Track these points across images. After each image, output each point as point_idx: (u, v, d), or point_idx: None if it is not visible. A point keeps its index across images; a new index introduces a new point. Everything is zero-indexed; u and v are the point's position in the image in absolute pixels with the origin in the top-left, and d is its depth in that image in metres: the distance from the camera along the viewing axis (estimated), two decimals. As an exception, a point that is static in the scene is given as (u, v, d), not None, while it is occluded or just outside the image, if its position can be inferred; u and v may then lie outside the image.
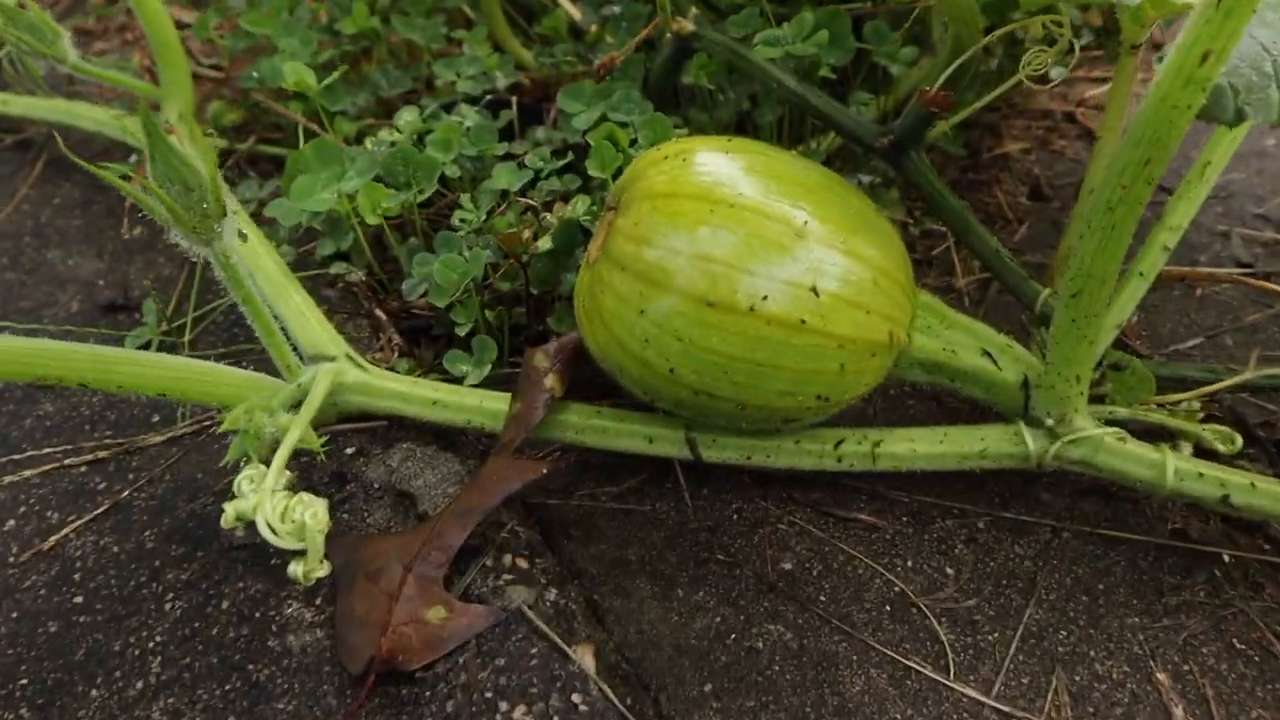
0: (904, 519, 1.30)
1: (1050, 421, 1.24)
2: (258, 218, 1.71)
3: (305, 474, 1.30)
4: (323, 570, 1.13)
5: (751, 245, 1.07)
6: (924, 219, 1.81)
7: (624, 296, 1.10)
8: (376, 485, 1.27)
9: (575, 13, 2.00)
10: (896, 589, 1.21)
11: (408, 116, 1.62)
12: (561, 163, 1.51)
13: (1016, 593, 1.21)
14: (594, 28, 1.93)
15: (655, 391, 1.16)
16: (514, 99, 1.80)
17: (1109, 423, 1.28)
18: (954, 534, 1.28)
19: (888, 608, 1.19)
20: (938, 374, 1.26)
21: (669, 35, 1.61)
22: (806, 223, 1.09)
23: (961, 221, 1.40)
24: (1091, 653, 1.15)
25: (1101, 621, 1.18)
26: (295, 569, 1.12)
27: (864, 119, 1.43)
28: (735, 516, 1.29)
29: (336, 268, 1.60)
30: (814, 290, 1.08)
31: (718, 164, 1.12)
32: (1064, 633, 1.17)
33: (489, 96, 1.82)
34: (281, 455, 1.15)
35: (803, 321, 1.08)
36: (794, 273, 1.07)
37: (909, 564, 1.24)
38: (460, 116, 1.65)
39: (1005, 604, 1.20)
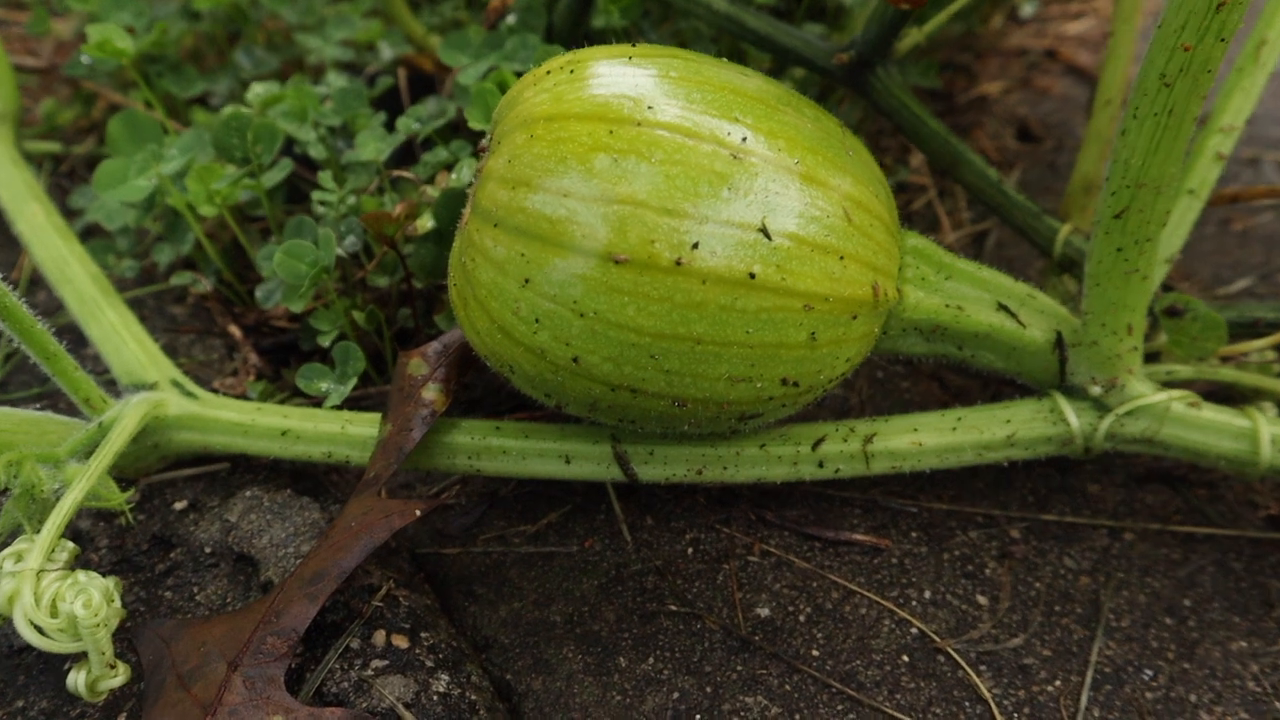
0: (914, 535, 0.99)
1: (1097, 389, 0.94)
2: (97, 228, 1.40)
3: (118, 540, 0.98)
4: (117, 678, 0.82)
5: (671, 175, 0.76)
6: (898, 168, 1.51)
7: (502, 263, 0.79)
8: (209, 549, 0.95)
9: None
10: (914, 631, 0.90)
11: (259, 89, 1.30)
12: (441, 121, 1.19)
13: (1076, 621, 0.90)
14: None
15: (559, 392, 0.85)
16: (402, 73, 1.50)
17: (1167, 385, 0.98)
18: (982, 549, 0.97)
19: (905, 658, 0.88)
20: (941, 340, 0.95)
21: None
22: (746, 140, 0.78)
23: (948, 152, 1.10)
24: (1192, 697, 0.84)
25: (1197, 651, 0.87)
26: (75, 679, 0.81)
27: (813, 36, 1.13)
28: (691, 551, 0.98)
29: (179, 277, 1.28)
30: (763, 231, 0.77)
31: (618, 73, 0.81)
32: (1148, 672, 0.86)
33: (371, 72, 1.51)
34: (54, 522, 0.83)
35: (752, 275, 0.77)
36: (735, 209, 0.76)
37: (927, 595, 0.93)
38: (326, 85, 1.34)
39: (1063, 638, 0.89)
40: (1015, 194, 1.08)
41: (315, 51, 1.52)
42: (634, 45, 0.86)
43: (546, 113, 0.79)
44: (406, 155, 1.36)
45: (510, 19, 1.39)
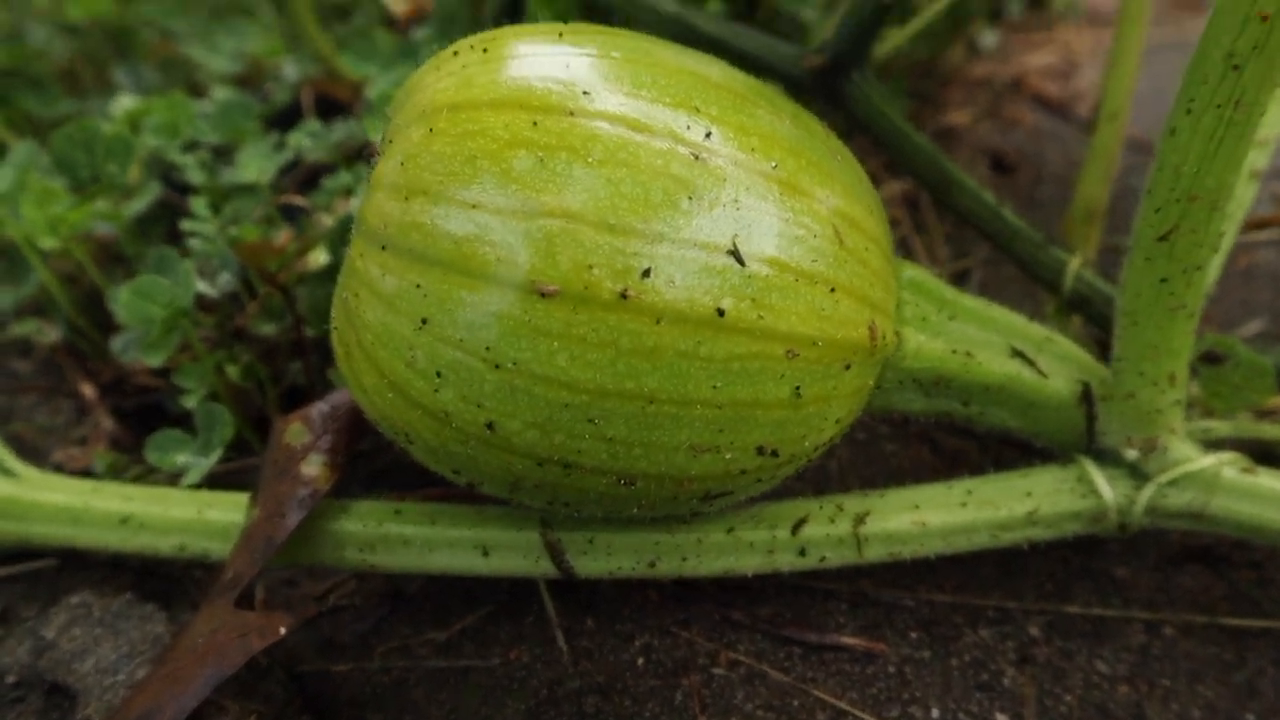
0: (913, 635, 0.80)
1: (1133, 452, 0.77)
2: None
3: (-100, 667, 0.76)
4: None
5: (615, 180, 0.58)
6: (866, 202, 1.35)
7: (392, 299, 0.60)
8: (13, 678, 0.73)
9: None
10: (922, 763, 0.71)
11: (125, 101, 1.11)
12: (335, 136, 1.01)
13: (1122, 748, 0.73)
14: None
15: (470, 468, 0.65)
16: (308, 94, 1.31)
17: (1205, 444, 0.82)
18: (996, 652, 0.79)
19: (913, 800, 0.69)
20: (944, 395, 0.78)
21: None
22: (710, 136, 0.61)
23: (938, 171, 0.94)
24: None
25: (1277, 786, 0.70)
26: None
27: (778, 41, 0.97)
28: (641, 661, 0.78)
29: (22, 326, 1.06)
30: (735, 254, 0.59)
31: (545, 52, 0.63)
32: (1221, 817, 0.68)
33: (270, 92, 1.33)
34: None
35: (720, 312, 0.59)
36: (698, 225, 0.58)
37: (935, 715, 0.74)
38: (208, 101, 1.15)
39: (1109, 772, 0.71)
40: (1016, 220, 0.92)
41: (204, 67, 1.33)
42: (566, 25, 0.68)
43: (451, 100, 0.61)
44: (311, 184, 1.17)
45: (427, 29, 1.22)
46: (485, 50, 0.64)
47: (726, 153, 0.60)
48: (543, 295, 0.57)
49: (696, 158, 0.59)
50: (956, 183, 0.93)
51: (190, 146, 1.05)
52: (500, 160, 0.58)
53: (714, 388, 0.60)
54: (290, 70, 1.38)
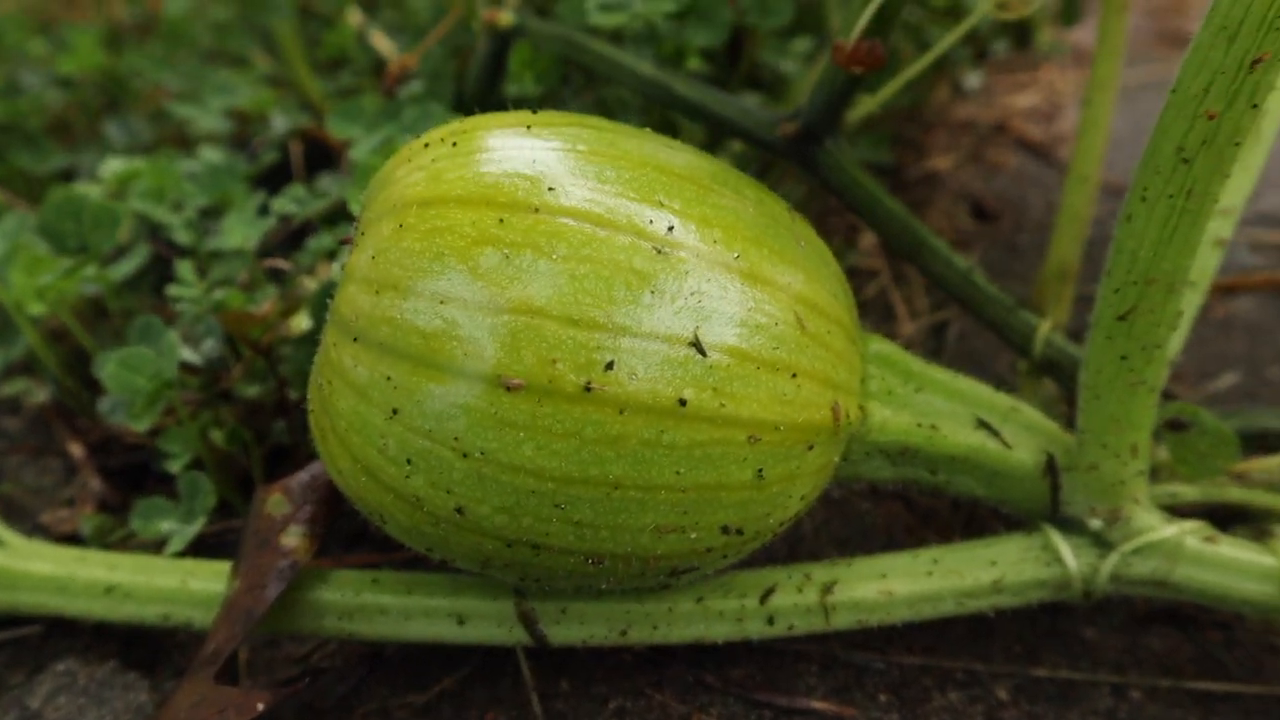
0: (882, 698, 0.82)
1: (1097, 522, 0.79)
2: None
3: (-113, 737, 0.77)
4: None
5: (578, 275, 0.59)
6: (846, 251, 1.37)
7: (364, 389, 0.62)
8: (-1, 748, 0.75)
9: (386, 47, 1.52)
10: (889, 832, 0.73)
11: (115, 164, 1.13)
12: (324, 203, 1.02)
13: (1085, 817, 0.74)
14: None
15: (443, 547, 0.67)
16: (297, 147, 1.33)
17: (1170, 510, 0.83)
18: (965, 714, 0.80)
19: None
20: (910, 464, 0.79)
21: (483, 33, 1.17)
22: (673, 229, 0.62)
23: (909, 235, 0.96)
24: None
25: None
26: None
27: (753, 106, 0.99)
28: (616, 725, 0.80)
29: (11, 385, 1.08)
30: (696, 344, 0.61)
31: (513, 146, 0.65)
32: None
33: (258, 145, 1.35)
34: None
35: (682, 402, 0.60)
36: (659, 318, 0.60)
37: (903, 781, 0.76)
38: (196, 160, 1.17)
39: (1072, 841, 0.72)
40: (987, 285, 0.94)
41: (192, 122, 1.35)
42: (535, 112, 0.70)
43: (421, 195, 0.63)
44: (297, 241, 1.19)
45: (414, 85, 1.24)
46: (455, 144, 0.65)
47: (689, 245, 0.62)
48: (508, 388, 0.59)
49: (659, 251, 0.61)
50: (928, 247, 0.95)
51: (177, 206, 1.07)
52: (467, 257, 0.60)
53: (677, 473, 0.62)
54: (279, 122, 1.40)
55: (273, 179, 1.27)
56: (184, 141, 1.45)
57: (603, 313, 0.59)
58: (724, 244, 0.64)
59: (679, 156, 0.69)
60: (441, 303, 0.59)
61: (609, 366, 0.59)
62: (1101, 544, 0.79)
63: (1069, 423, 0.83)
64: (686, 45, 1.20)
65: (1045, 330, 0.92)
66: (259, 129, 1.40)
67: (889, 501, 1.00)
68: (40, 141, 1.34)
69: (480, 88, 1.21)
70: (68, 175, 1.42)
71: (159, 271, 1.17)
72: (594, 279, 0.60)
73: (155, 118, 1.53)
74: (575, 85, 1.30)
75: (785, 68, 1.39)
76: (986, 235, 1.49)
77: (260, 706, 0.66)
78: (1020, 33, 2.00)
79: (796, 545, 0.95)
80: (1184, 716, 0.80)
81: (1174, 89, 0.62)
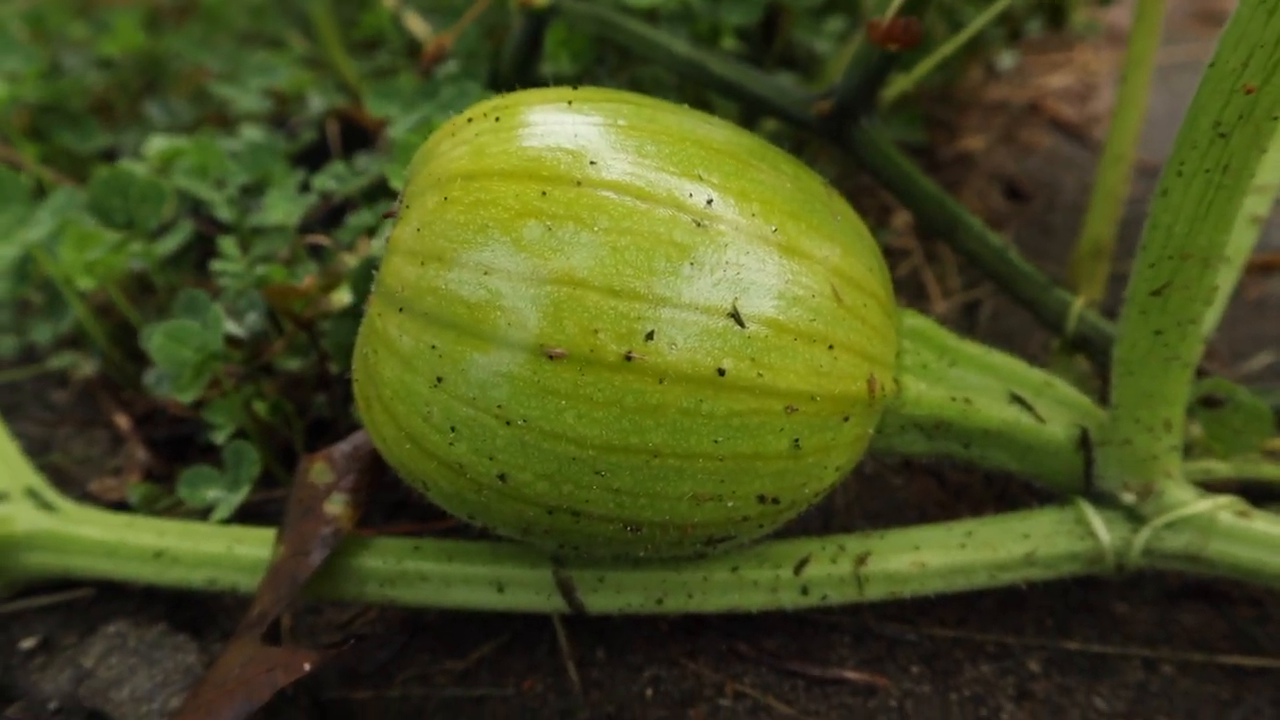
0: (914, 669, 0.83)
1: (1130, 496, 0.79)
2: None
3: (-55, 694, 0.80)
4: None
5: (619, 247, 0.61)
6: (879, 230, 1.37)
7: (409, 358, 0.63)
8: (55, 704, 0.77)
9: (421, 29, 1.54)
10: (920, 798, 0.74)
11: (158, 142, 1.15)
12: (364, 180, 1.04)
13: (1115, 785, 0.75)
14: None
15: (485, 514, 0.68)
16: (334, 126, 1.35)
17: (1203, 487, 0.83)
18: (996, 687, 0.81)
19: (910, 835, 0.71)
20: (944, 438, 0.80)
21: (518, 12, 1.18)
22: (712, 203, 0.63)
23: (944, 214, 0.96)
24: None
25: (1267, 827, 0.72)
26: None
27: (788, 85, 1.00)
28: (650, 692, 0.81)
29: (59, 359, 1.11)
30: (735, 316, 0.62)
31: (555, 121, 0.66)
32: None
33: (296, 124, 1.36)
34: None
35: (721, 372, 0.62)
36: (699, 289, 0.61)
37: (934, 749, 0.77)
38: (237, 138, 1.19)
39: (1101, 809, 0.73)
40: (1021, 263, 0.94)
41: (234, 102, 1.37)
42: (575, 88, 0.71)
43: (465, 169, 0.64)
44: (337, 218, 1.21)
45: (450, 65, 1.25)
46: (498, 119, 0.67)
47: (728, 218, 0.63)
48: (550, 357, 0.60)
49: (698, 224, 0.62)
50: (963, 225, 0.95)
51: (220, 183, 1.09)
52: (511, 229, 0.61)
53: (715, 442, 0.63)
54: (316, 102, 1.41)
55: (309, 158, 1.28)
56: (223, 121, 1.47)
57: (643, 284, 0.60)
58: (762, 217, 0.65)
59: (717, 132, 0.70)
60: (486, 273, 0.61)
61: (649, 336, 0.60)
62: (1134, 518, 0.79)
63: (1102, 399, 0.83)
64: (721, 24, 1.21)
65: (1079, 307, 0.92)
66: (296, 109, 1.42)
67: (921, 477, 1.00)
68: (83, 121, 1.36)
69: (515, 67, 1.22)
70: (109, 155, 1.45)
71: (200, 248, 1.19)
72: (635, 251, 0.61)
73: (194, 98, 1.55)
74: (609, 65, 1.31)
75: (819, 47, 1.39)
76: (1019, 215, 1.48)
77: (306, 666, 0.68)
78: (1054, 12, 1.99)
79: (829, 519, 0.96)
80: (1216, 691, 0.81)
81: (1212, 63, 0.62)
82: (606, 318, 0.60)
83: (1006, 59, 1.97)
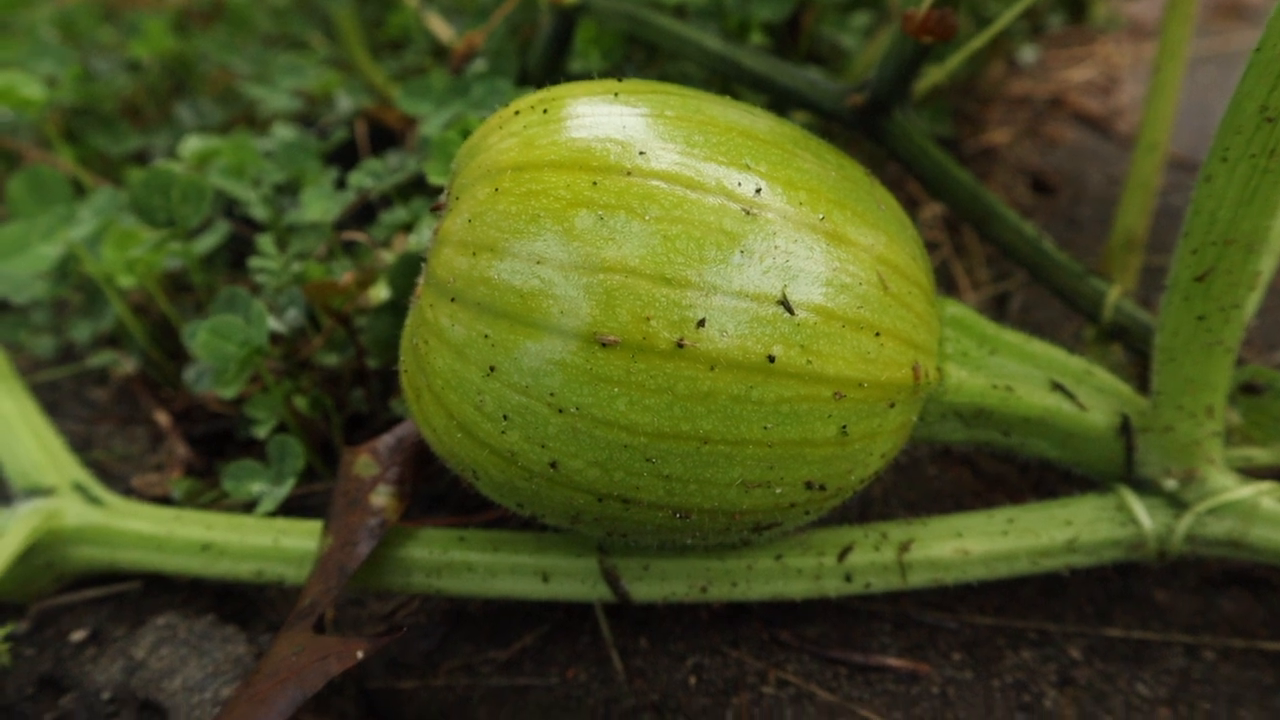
0: (956, 656, 0.83)
1: (1171, 483, 0.79)
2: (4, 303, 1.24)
3: (-1, 684, 0.81)
4: None
5: (670, 236, 0.61)
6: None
7: (461, 347, 0.64)
8: (108, 695, 0.78)
9: (443, 30, 1.54)
10: (966, 783, 0.74)
11: (194, 142, 1.16)
12: (400, 176, 1.05)
13: (1161, 770, 0.75)
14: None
15: (534, 502, 0.69)
16: (362, 126, 1.36)
17: (1243, 472, 0.83)
18: (1038, 674, 0.82)
19: (957, 820, 0.72)
20: (984, 426, 0.80)
21: (548, 11, 1.19)
22: (760, 192, 0.64)
23: (978, 205, 0.97)
24: None
25: (1314, 811, 0.72)
26: None
27: (820, 78, 1.00)
28: (693, 680, 0.82)
29: (99, 357, 1.12)
30: (784, 303, 0.62)
31: (602, 112, 0.67)
32: (1259, 840, 0.70)
33: (325, 125, 1.37)
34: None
35: (771, 358, 0.62)
36: (749, 277, 0.62)
37: (978, 736, 0.77)
38: (270, 138, 1.20)
39: (1148, 793, 0.74)
40: (1056, 252, 0.95)
41: (263, 102, 1.38)
42: (620, 81, 0.72)
43: (515, 160, 0.65)
44: (367, 216, 1.22)
45: (479, 64, 1.26)
46: (545, 111, 0.67)
47: (776, 207, 0.64)
48: (603, 345, 0.61)
49: (748, 213, 0.63)
50: (997, 216, 0.96)
51: (256, 182, 1.10)
52: (563, 219, 0.62)
53: (765, 428, 0.64)
54: (344, 102, 1.42)
55: (337, 158, 1.29)
56: (251, 122, 1.48)
57: (695, 272, 0.61)
58: (809, 206, 0.65)
59: (761, 122, 0.71)
60: (538, 263, 0.61)
61: (701, 324, 0.61)
62: (1176, 504, 0.79)
63: (1141, 386, 0.84)
64: (751, 19, 1.21)
65: (1115, 296, 0.92)
66: (323, 110, 1.43)
67: (956, 466, 1.01)
68: (116, 124, 1.37)
69: (544, 65, 1.23)
70: (140, 157, 1.46)
71: (232, 247, 1.20)
72: (686, 239, 0.61)
73: (222, 100, 1.56)
74: (636, 62, 1.31)
75: (846, 42, 1.40)
76: (1046, 208, 1.48)
77: (359, 654, 0.69)
78: (1075, 6, 1.99)
79: (866, 508, 0.96)
80: (1258, 677, 0.81)
81: (1258, 48, 0.62)
82: (658, 305, 0.60)
83: (1028, 53, 1.97)
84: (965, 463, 1.01)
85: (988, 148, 1.62)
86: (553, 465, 0.64)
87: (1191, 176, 1.56)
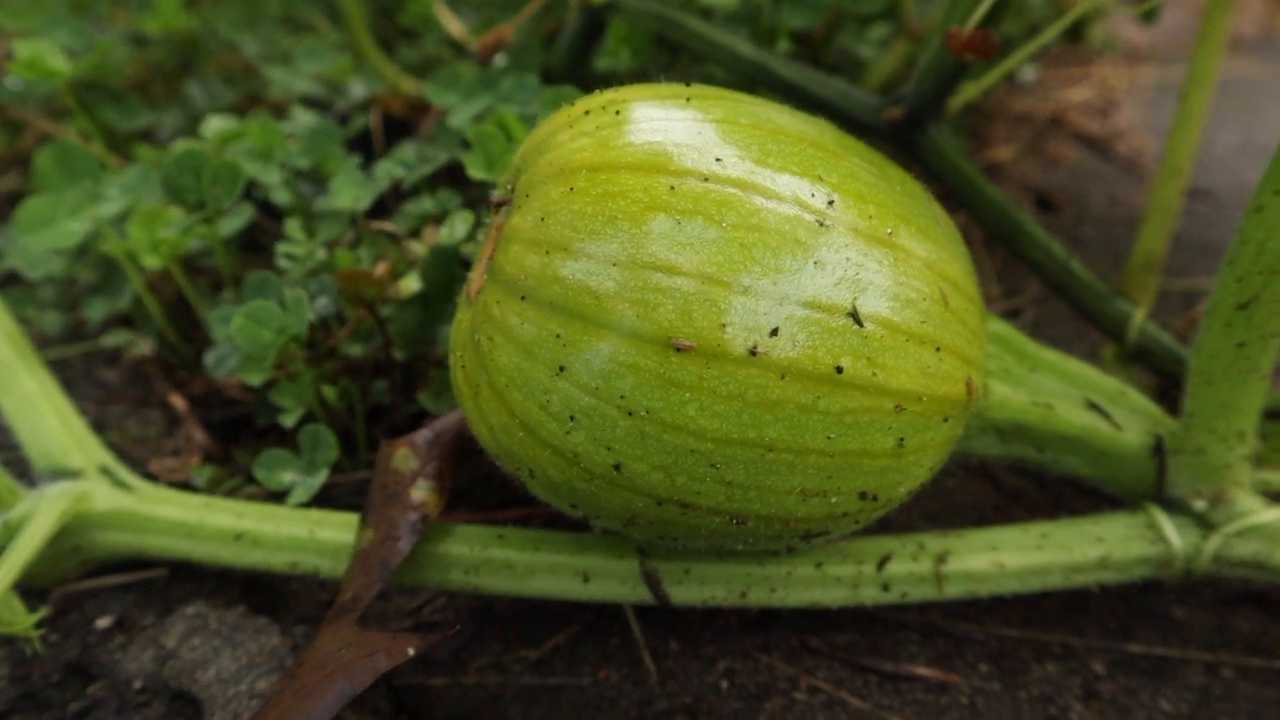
0: (983, 667, 0.85)
1: (1201, 504, 0.81)
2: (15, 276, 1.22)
3: (22, 670, 0.79)
4: None
5: (747, 244, 0.62)
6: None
7: (529, 346, 0.64)
8: (139, 683, 0.77)
9: (455, 25, 1.53)
10: (997, 793, 0.75)
11: (217, 123, 1.14)
12: (429, 168, 1.04)
13: (1187, 785, 0.77)
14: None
15: (591, 504, 0.69)
16: (376, 114, 1.34)
17: (1263, 495, 0.85)
18: (1062, 686, 0.83)
19: (990, 829, 0.73)
20: (1020, 441, 0.82)
21: (576, 8, 1.19)
22: (832, 204, 0.65)
23: (1008, 222, 0.98)
24: None
25: (1337, 829, 0.74)
26: None
27: (855, 90, 1.01)
28: (725, 684, 0.82)
29: (113, 337, 1.10)
30: (854, 315, 0.63)
31: (676, 117, 0.67)
32: None
33: (341, 111, 1.36)
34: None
35: (839, 369, 0.63)
36: (819, 287, 0.62)
37: (1007, 746, 0.79)
38: (292, 122, 1.19)
39: (1175, 808, 0.75)
40: (1084, 272, 0.96)
41: (280, 85, 1.37)
42: (690, 86, 0.72)
43: (590, 160, 0.65)
44: (380, 205, 1.21)
45: (499, 58, 1.26)
46: (618, 112, 0.67)
47: (847, 220, 0.64)
48: (678, 350, 0.61)
49: (820, 224, 0.63)
50: (1026, 233, 0.97)
51: (283, 166, 1.09)
52: (640, 221, 0.62)
53: (828, 438, 0.64)
54: (358, 89, 1.41)
55: (353, 144, 1.28)
56: (260, 102, 1.47)
57: (770, 281, 0.61)
58: (878, 219, 0.66)
59: (827, 135, 0.71)
60: (614, 265, 0.61)
61: (774, 332, 0.61)
62: (1205, 525, 0.81)
63: (1169, 407, 0.85)
64: (780, 26, 1.22)
65: (1140, 318, 0.94)
66: (336, 96, 1.42)
67: (976, 480, 1.02)
68: (126, 99, 1.35)
69: (568, 62, 1.23)
70: (147, 134, 1.44)
71: (248, 231, 1.19)
72: (762, 248, 0.62)
73: (230, 80, 1.54)
74: (660, 64, 1.32)
75: (863, 53, 1.41)
76: (1051, 227, 1.51)
77: (410, 651, 0.69)
78: (1074, 28, 2.02)
79: (888, 520, 0.97)
80: (1276, 695, 0.83)
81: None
82: (734, 313, 0.61)
83: (1028, 71, 2.00)
84: (985, 476, 1.02)
85: (993, 164, 1.65)
86: (616, 468, 0.64)
87: (1194, 202, 1.60)
